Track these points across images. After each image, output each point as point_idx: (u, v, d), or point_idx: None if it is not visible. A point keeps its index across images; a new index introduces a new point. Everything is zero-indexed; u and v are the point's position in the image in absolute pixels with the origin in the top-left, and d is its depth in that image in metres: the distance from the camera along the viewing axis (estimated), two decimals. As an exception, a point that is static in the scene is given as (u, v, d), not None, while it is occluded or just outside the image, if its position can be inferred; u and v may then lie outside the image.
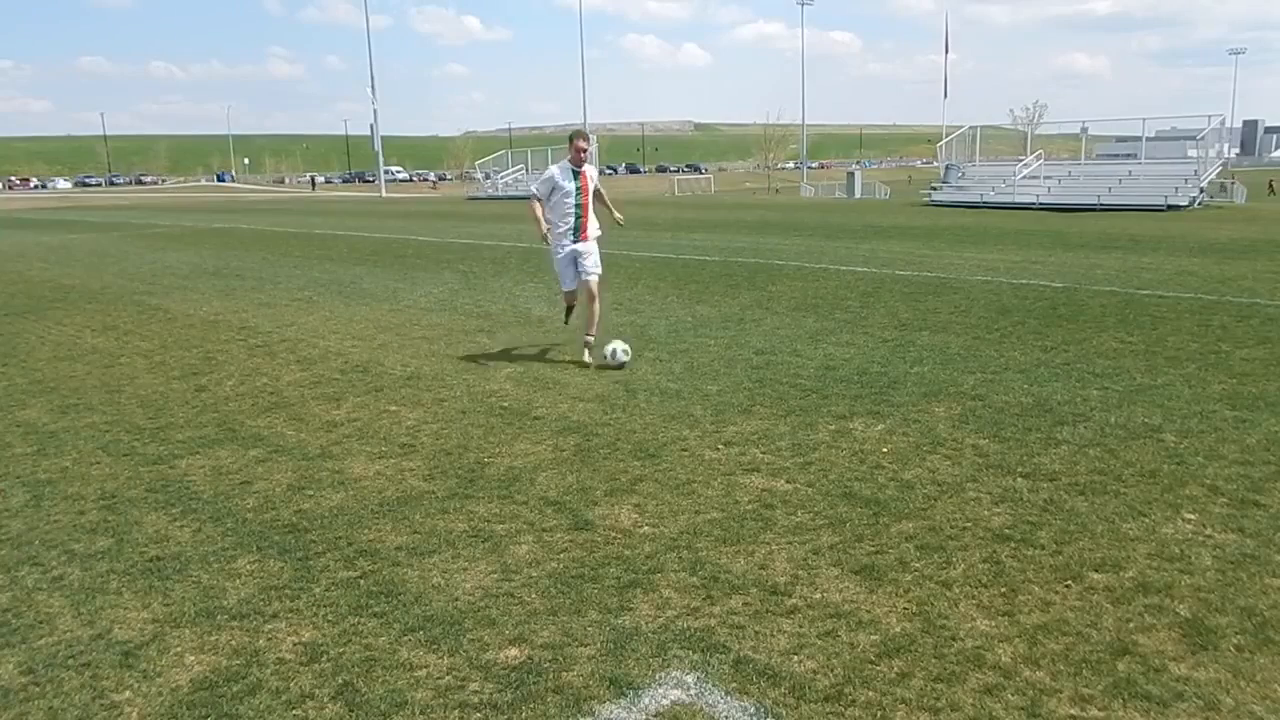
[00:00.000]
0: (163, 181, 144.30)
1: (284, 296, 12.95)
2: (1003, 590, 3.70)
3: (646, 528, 4.43)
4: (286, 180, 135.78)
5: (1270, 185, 45.41)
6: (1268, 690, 2.99)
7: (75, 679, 3.27)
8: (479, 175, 61.26)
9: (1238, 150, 67.45)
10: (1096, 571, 3.84)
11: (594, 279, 7.83)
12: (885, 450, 5.44)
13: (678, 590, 3.78)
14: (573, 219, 7.73)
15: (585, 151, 7.73)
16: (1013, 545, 4.11)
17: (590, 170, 7.85)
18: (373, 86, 67.70)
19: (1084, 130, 36.25)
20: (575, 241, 7.77)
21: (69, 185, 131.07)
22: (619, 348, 7.61)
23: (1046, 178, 32.47)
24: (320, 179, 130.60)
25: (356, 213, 40.28)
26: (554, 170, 7.71)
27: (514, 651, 3.35)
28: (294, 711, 3.05)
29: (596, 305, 7.88)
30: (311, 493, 5.06)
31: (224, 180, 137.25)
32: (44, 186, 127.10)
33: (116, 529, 4.63)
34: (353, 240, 23.32)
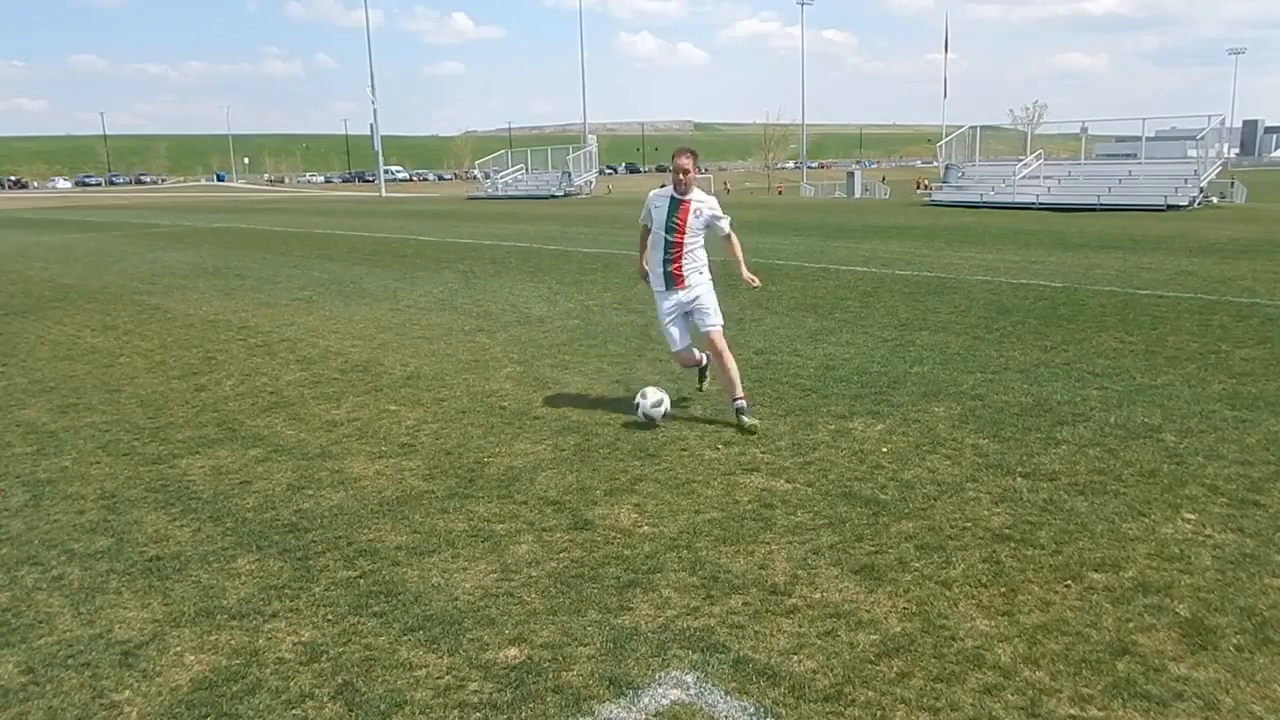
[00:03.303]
0: (162, 181, 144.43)
1: (284, 296, 12.96)
2: (1002, 590, 3.70)
3: (646, 527, 4.43)
4: (286, 180, 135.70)
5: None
6: (1267, 690, 2.99)
7: (75, 678, 3.28)
8: (479, 175, 61.25)
9: (1238, 150, 67.45)
10: (1096, 571, 3.84)
11: (715, 330, 6.16)
12: (885, 450, 5.44)
13: (677, 590, 3.78)
14: (662, 262, 6.15)
15: (687, 174, 6.00)
16: (1012, 545, 4.11)
17: (700, 201, 6.12)
18: (372, 86, 67.63)
19: (1084, 130, 36.21)
20: (670, 289, 6.18)
21: (69, 185, 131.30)
22: (654, 407, 6.05)
23: (1046, 178, 32.44)
24: (319, 179, 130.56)
25: (356, 212, 40.29)
26: (651, 194, 6.31)
27: (514, 651, 3.35)
28: (294, 711, 3.05)
29: (728, 360, 6.14)
30: (311, 492, 5.06)
31: (222, 180, 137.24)
32: (29, 185, 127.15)
33: (116, 529, 4.63)
34: (353, 240, 23.32)
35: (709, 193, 6.38)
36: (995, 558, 3.99)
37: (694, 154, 6.09)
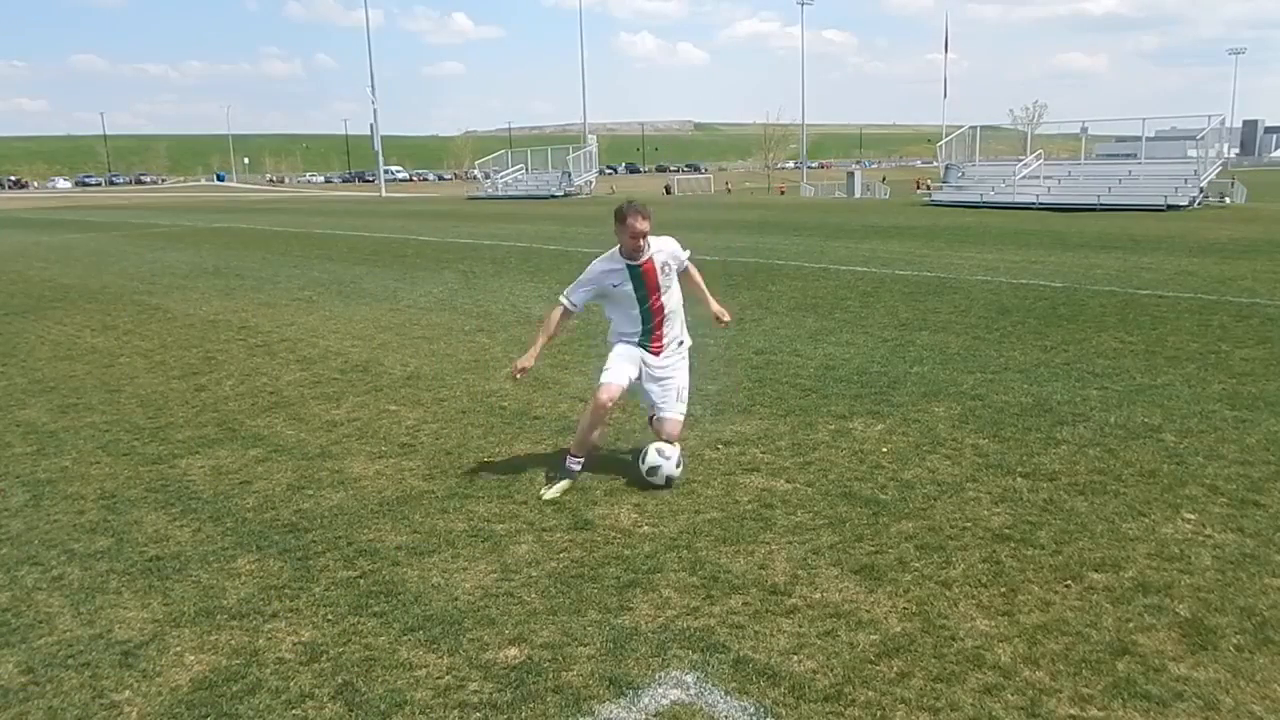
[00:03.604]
0: (162, 181, 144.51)
1: (284, 296, 12.96)
2: (1002, 590, 3.70)
3: (646, 527, 4.43)
4: (286, 180, 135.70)
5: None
6: (1267, 690, 2.99)
7: (75, 678, 3.28)
8: (479, 175, 61.28)
9: (1237, 150, 67.44)
10: (1096, 571, 3.84)
11: (679, 418, 5.19)
12: (885, 450, 5.44)
13: (677, 590, 3.78)
14: (641, 333, 5.14)
15: (644, 237, 4.97)
16: (1012, 545, 4.11)
17: (658, 250, 5.08)
18: (372, 86, 67.66)
19: (1084, 130, 36.23)
20: (644, 348, 5.16)
21: (69, 185, 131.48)
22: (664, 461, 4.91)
23: (1046, 178, 32.46)
24: (319, 179, 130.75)
25: (356, 212, 40.30)
26: (596, 269, 5.10)
27: (514, 651, 3.35)
28: (293, 711, 3.05)
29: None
30: (311, 492, 5.06)
31: (222, 180, 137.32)
32: (29, 185, 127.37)
33: (116, 529, 4.63)
34: (353, 240, 23.32)
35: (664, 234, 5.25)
36: (995, 558, 3.99)
37: (647, 213, 4.99)
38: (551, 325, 5.11)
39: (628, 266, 5.01)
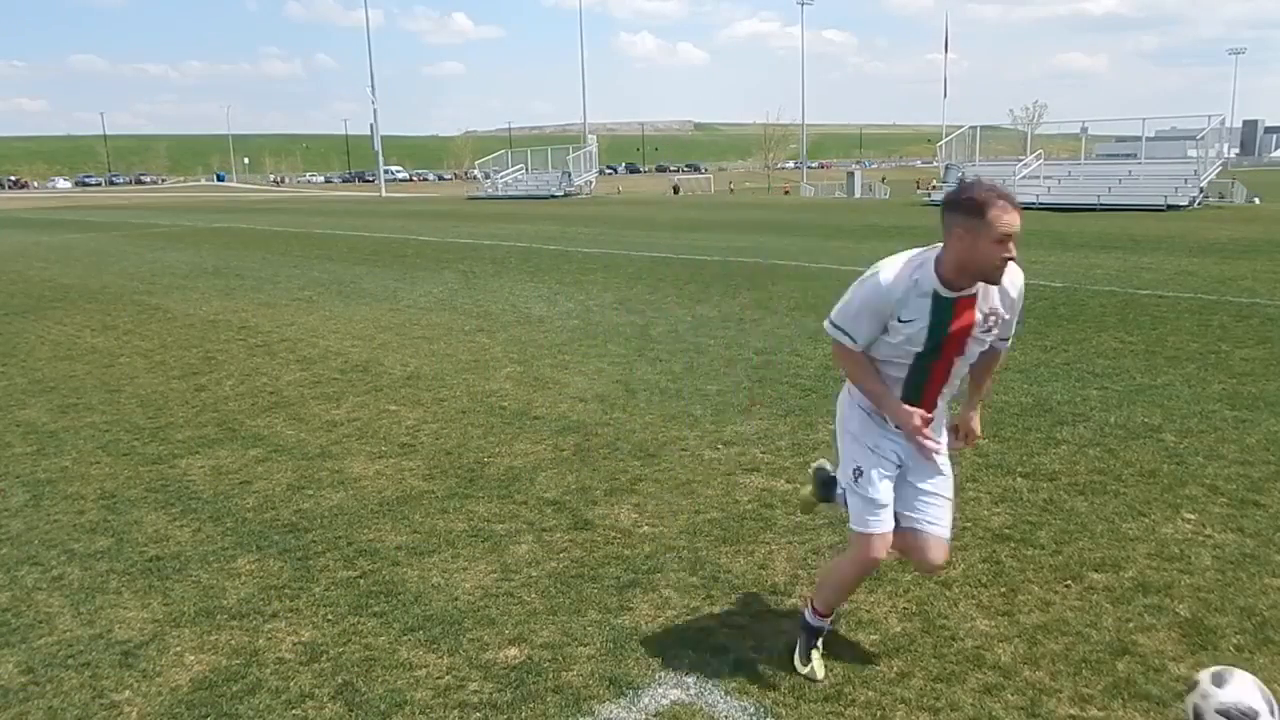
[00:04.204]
0: (162, 181, 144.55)
1: (284, 296, 12.96)
2: (1003, 590, 3.70)
3: (646, 527, 4.43)
4: (286, 180, 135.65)
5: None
6: (1267, 690, 2.99)
7: (75, 678, 3.28)
8: (479, 175, 61.31)
9: (1237, 150, 67.43)
10: (1096, 571, 3.84)
11: (942, 538, 3.13)
12: (885, 450, 5.43)
13: (678, 590, 3.78)
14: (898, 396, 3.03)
15: (1014, 241, 2.72)
16: (1013, 545, 4.11)
17: (997, 298, 2.90)
18: (372, 86, 67.66)
19: (1084, 130, 36.27)
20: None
21: (69, 185, 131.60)
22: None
23: (1046, 178, 32.46)
24: (319, 179, 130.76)
25: (356, 212, 40.29)
26: (884, 277, 2.91)
27: (514, 651, 3.35)
28: (293, 711, 3.05)
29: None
30: (311, 492, 5.06)
31: (222, 180, 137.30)
32: (29, 185, 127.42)
33: (116, 529, 4.63)
34: (353, 240, 23.32)
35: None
36: (995, 558, 3.99)
37: (1018, 207, 2.75)
38: (871, 370, 3.02)
39: (937, 296, 2.84)
